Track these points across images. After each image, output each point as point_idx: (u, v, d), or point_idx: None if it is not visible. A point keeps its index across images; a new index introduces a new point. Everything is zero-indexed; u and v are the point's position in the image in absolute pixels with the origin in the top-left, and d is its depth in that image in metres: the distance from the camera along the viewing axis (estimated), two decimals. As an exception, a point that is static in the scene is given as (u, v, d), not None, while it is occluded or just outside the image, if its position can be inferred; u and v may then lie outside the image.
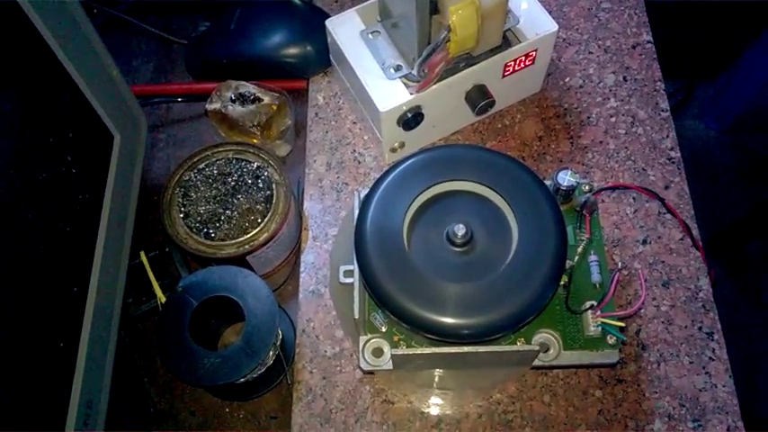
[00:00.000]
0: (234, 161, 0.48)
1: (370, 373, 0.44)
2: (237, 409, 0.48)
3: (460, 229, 0.39)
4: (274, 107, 0.52)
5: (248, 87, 0.53)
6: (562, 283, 0.41)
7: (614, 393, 0.44)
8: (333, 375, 0.45)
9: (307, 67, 0.56)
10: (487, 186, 0.41)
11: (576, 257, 0.42)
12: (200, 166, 0.48)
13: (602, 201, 0.50)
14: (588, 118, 0.53)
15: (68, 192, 0.39)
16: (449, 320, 0.37)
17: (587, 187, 0.43)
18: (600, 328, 0.40)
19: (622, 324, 0.40)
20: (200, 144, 0.49)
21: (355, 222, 0.41)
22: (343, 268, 0.42)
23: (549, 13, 0.48)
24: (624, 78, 0.54)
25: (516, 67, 0.49)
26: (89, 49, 0.43)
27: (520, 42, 0.48)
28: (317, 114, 0.55)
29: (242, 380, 0.43)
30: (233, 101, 0.53)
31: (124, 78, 0.47)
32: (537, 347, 0.39)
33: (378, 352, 0.40)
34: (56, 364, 0.37)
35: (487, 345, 0.39)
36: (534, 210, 0.39)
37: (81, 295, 0.40)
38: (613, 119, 0.53)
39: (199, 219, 0.46)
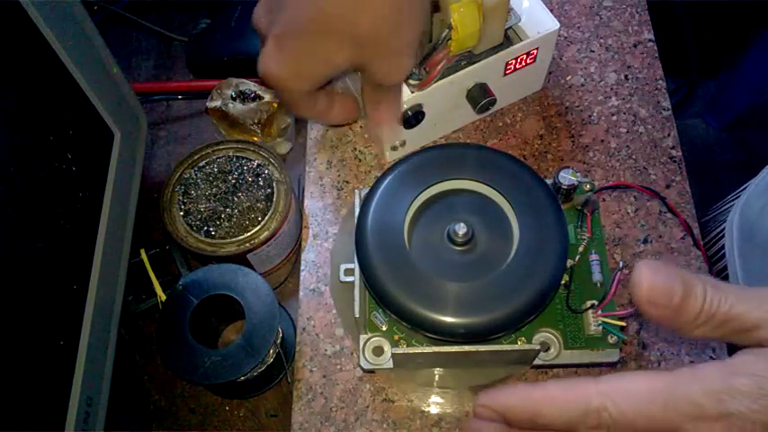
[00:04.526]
0: (234, 159, 0.48)
1: (371, 371, 0.44)
2: (237, 408, 0.48)
3: (461, 228, 0.39)
4: (275, 105, 0.52)
5: (249, 85, 0.53)
6: (563, 282, 0.40)
7: (615, 392, 0.44)
8: (333, 374, 0.45)
9: (307, 65, 0.56)
10: (488, 185, 0.41)
11: (577, 256, 0.41)
12: (201, 164, 0.48)
13: (603, 200, 0.50)
14: (589, 116, 0.53)
15: (68, 189, 0.39)
16: (449, 320, 0.37)
17: (588, 186, 0.43)
18: (601, 328, 0.40)
19: (623, 323, 0.40)
20: (201, 142, 0.49)
21: (356, 221, 0.41)
22: (343, 267, 0.42)
23: (551, 11, 0.48)
24: (625, 77, 0.54)
25: (517, 66, 0.49)
26: (89, 46, 0.43)
27: (521, 41, 0.47)
28: (317, 112, 0.55)
29: (242, 378, 0.43)
30: (233, 98, 0.53)
31: (124, 76, 0.47)
32: (537, 346, 0.39)
33: (378, 351, 0.40)
34: (56, 362, 0.37)
35: (488, 344, 0.39)
36: (535, 209, 0.39)
37: (81, 293, 0.40)
38: (615, 117, 0.53)
39: (199, 217, 0.46)
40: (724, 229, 0.54)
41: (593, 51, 0.56)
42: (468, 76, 0.47)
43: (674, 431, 0.27)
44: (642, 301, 0.28)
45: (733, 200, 0.57)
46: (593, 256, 0.42)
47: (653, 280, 0.27)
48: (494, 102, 0.49)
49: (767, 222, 0.50)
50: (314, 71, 0.41)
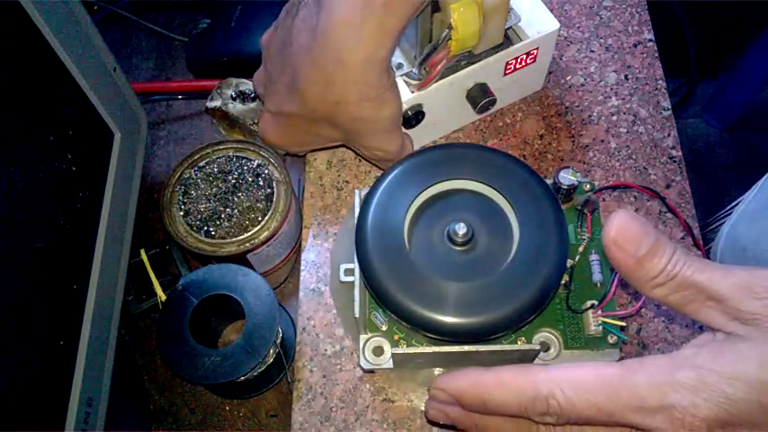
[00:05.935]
0: (234, 159, 0.48)
1: (371, 371, 0.44)
2: (237, 408, 0.48)
3: (461, 228, 0.39)
4: (275, 105, 0.52)
5: (249, 85, 0.53)
6: (563, 282, 0.40)
7: (615, 392, 0.44)
8: (333, 374, 0.45)
9: (307, 65, 0.56)
10: (488, 185, 0.41)
11: (577, 256, 0.41)
12: (201, 164, 0.48)
13: (603, 200, 0.50)
14: (589, 116, 0.53)
15: (69, 189, 0.39)
16: (449, 320, 0.37)
17: (588, 186, 0.43)
18: (601, 328, 0.40)
19: (623, 323, 0.40)
20: (201, 142, 0.49)
21: (356, 221, 0.41)
22: (343, 267, 0.42)
23: (551, 11, 0.48)
24: (626, 77, 0.54)
25: (518, 66, 0.49)
26: (89, 46, 0.43)
27: (521, 41, 0.47)
28: (317, 112, 0.55)
29: (242, 378, 0.43)
30: (233, 98, 0.53)
31: (124, 76, 0.47)
32: (538, 347, 0.39)
33: (378, 351, 0.40)
34: (56, 362, 0.37)
35: (488, 344, 0.39)
36: (535, 209, 0.39)
37: (81, 293, 0.40)
38: (615, 117, 0.53)
39: (199, 217, 0.46)
40: (711, 246, 0.55)
41: (593, 51, 0.56)
42: (468, 76, 0.47)
43: (619, 420, 0.27)
44: (609, 238, 0.28)
45: (726, 215, 0.57)
46: (593, 256, 0.42)
47: (626, 225, 0.28)
48: (494, 102, 0.49)
49: (750, 243, 0.50)
50: (307, 142, 0.47)
